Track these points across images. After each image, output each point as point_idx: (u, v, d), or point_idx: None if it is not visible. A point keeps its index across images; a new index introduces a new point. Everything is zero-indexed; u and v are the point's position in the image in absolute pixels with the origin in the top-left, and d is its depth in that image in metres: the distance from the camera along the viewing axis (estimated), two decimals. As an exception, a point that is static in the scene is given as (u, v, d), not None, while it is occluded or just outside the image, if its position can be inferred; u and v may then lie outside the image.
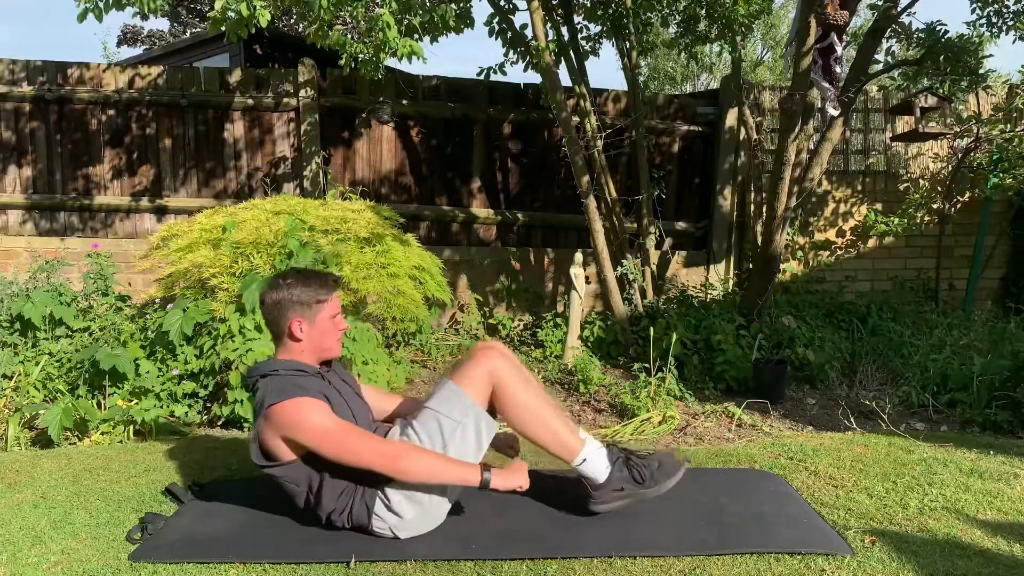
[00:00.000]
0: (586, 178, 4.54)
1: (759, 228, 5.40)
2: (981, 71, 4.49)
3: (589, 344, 4.75)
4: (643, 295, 5.10)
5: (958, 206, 5.71)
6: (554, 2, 4.85)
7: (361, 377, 3.27)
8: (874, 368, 4.36)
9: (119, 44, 15.99)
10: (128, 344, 3.53)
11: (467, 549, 1.93)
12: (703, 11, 5.06)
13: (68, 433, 3.16)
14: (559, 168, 5.55)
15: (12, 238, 5.27)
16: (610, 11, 4.96)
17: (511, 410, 2.08)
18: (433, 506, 2.01)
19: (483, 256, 5.55)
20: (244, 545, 1.97)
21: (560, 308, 5.54)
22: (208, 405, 3.49)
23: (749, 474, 2.53)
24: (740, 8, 4.71)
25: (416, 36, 4.10)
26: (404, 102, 5.41)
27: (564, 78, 4.76)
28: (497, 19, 4.76)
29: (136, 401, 3.35)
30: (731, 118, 5.54)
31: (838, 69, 4.01)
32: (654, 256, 5.43)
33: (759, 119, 5.62)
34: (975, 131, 5.32)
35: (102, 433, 3.21)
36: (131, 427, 3.25)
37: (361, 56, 4.14)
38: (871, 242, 5.83)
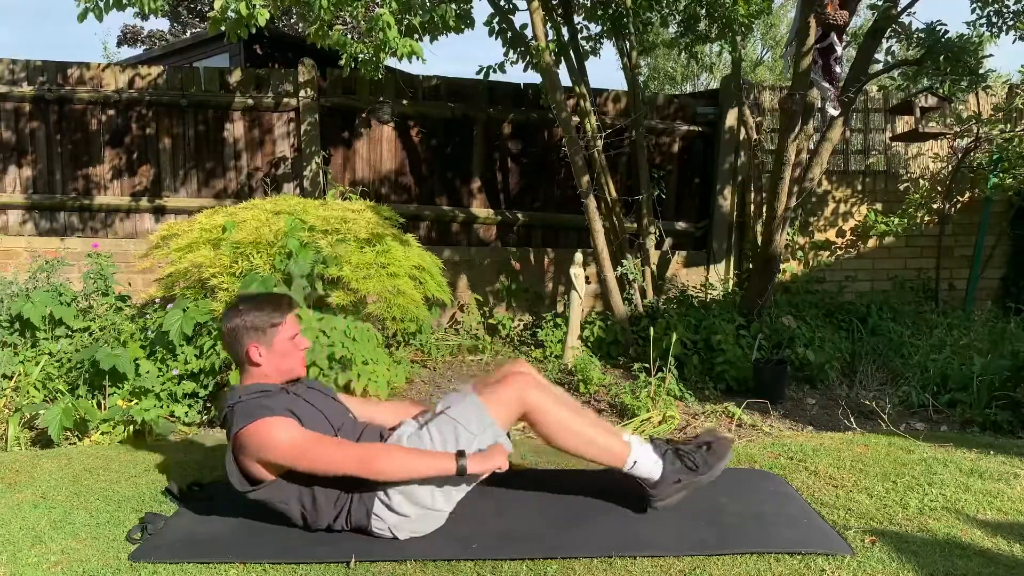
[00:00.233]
0: (586, 178, 4.54)
1: (759, 228, 5.40)
2: (981, 71, 4.49)
3: (589, 344, 4.75)
4: (643, 295, 5.10)
5: (958, 206, 5.71)
6: (554, 2, 4.85)
7: (361, 377, 3.27)
8: (874, 368, 4.36)
9: (119, 44, 16.00)
10: (128, 344, 3.53)
11: (467, 549, 1.93)
12: (703, 11, 5.06)
13: (68, 433, 3.16)
14: (559, 168, 5.55)
15: (12, 238, 5.27)
16: (610, 11, 4.96)
17: (552, 434, 2.08)
18: (433, 506, 2.00)
19: (483, 256, 5.55)
20: (244, 545, 1.97)
21: (560, 308, 5.54)
22: (208, 405, 3.49)
23: (749, 474, 2.53)
24: (740, 8, 4.71)
25: (416, 36, 4.10)
26: (404, 102, 5.41)
27: (564, 78, 4.76)
28: (497, 19, 4.76)
29: (136, 401, 3.35)
30: (731, 118, 5.54)
31: (838, 69, 4.00)
32: (654, 256, 5.43)
33: (759, 119, 5.62)
34: (975, 131, 5.32)
35: (102, 433, 3.21)
36: (131, 427, 3.25)
37: (361, 56, 4.14)
38: (871, 242, 5.82)
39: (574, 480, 2.29)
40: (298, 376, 2.17)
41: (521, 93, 5.55)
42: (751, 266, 5.42)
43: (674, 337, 4.02)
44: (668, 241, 5.62)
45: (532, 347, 5.00)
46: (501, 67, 4.88)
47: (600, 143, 4.83)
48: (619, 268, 4.81)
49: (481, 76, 5.01)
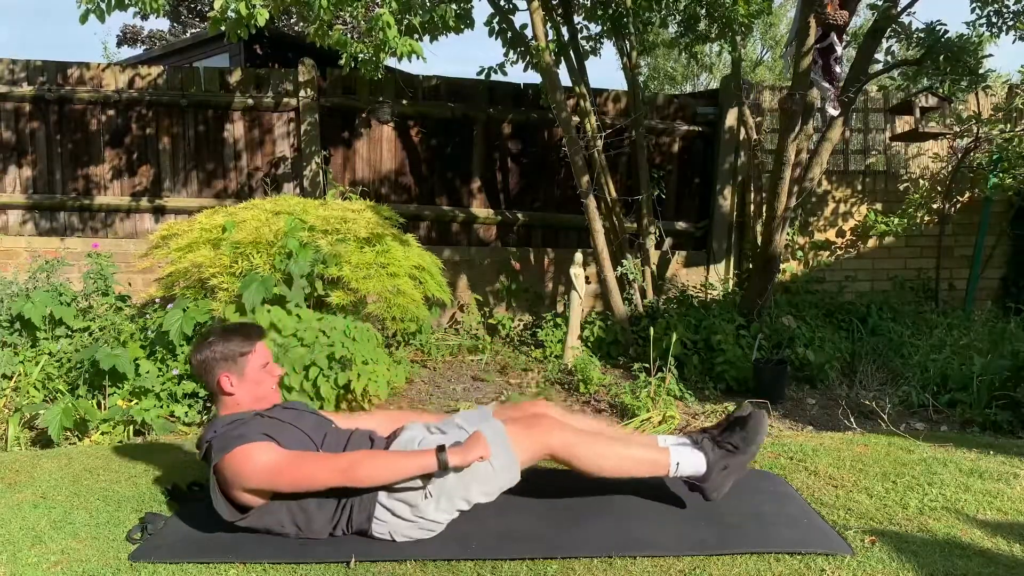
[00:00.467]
0: (586, 178, 4.54)
1: (759, 228, 5.40)
2: (981, 71, 4.49)
3: (589, 344, 4.75)
4: (643, 295, 5.10)
5: (958, 206, 5.71)
6: (554, 2, 4.85)
7: (361, 377, 3.27)
8: (874, 368, 4.36)
9: (119, 44, 16.00)
10: (128, 344, 3.53)
11: (467, 549, 1.93)
12: (703, 11, 5.06)
13: (68, 433, 3.16)
14: (559, 168, 5.55)
15: (12, 238, 5.27)
16: (610, 11, 4.96)
17: (587, 467, 2.07)
18: (436, 513, 1.99)
19: (483, 256, 5.55)
20: (244, 545, 1.97)
21: (560, 308, 5.54)
22: (208, 405, 3.49)
23: (749, 474, 2.51)
24: (740, 8, 4.71)
25: (416, 36, 4.10)
26: (404, 102, 5.41)
27: (564, 78, 4.76)
28: (497, 19, 4.76)
29: (136, 401, 3.35)
30: (731, 118, 5.54)
31: (838, 69, 4.00)
32: (654, 256, 5.43)
33: (759, 119, 5.62)
34: (975, 131, 5.32)
35: (102, 433, 3.21)
36: (131, 427, 3.25)
37: (361, 56, 4.14)
38: (871, 242, 5.82)
39: (574, 480, 2.28)
40: (272, 403, 2.18)
41: (521, 93, 5.55)
42: (751, 266, 5.42)
43: (674, 337, 4.02)
44: (668, 241, 5.62)
45: (532, 347, 5.00)
46: (501, 68, 4.88)
47: (600, 143, 4.83)
48: (619, 268, 4.81)
49: (481, 76, 5.00)
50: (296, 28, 11.17)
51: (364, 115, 5.42)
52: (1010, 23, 4.51)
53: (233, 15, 3.55)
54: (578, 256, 4.74)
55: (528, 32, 4.59)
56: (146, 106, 5.29)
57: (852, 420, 3.40)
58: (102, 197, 5.33)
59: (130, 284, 4.97)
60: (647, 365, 3.92)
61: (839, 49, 3.95)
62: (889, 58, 4.71)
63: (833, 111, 4.04)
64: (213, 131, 5.36)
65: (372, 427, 2.27)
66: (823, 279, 5.77)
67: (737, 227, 5.68)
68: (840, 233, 5.82)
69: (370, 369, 3.32)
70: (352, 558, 1.89)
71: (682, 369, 4.26)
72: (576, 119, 4.79)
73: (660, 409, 3.59)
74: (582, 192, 4.56)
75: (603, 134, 4.91)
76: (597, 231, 4.60)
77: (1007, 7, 4.48)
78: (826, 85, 3.95)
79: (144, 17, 3.87)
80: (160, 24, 16.65)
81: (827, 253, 5.82)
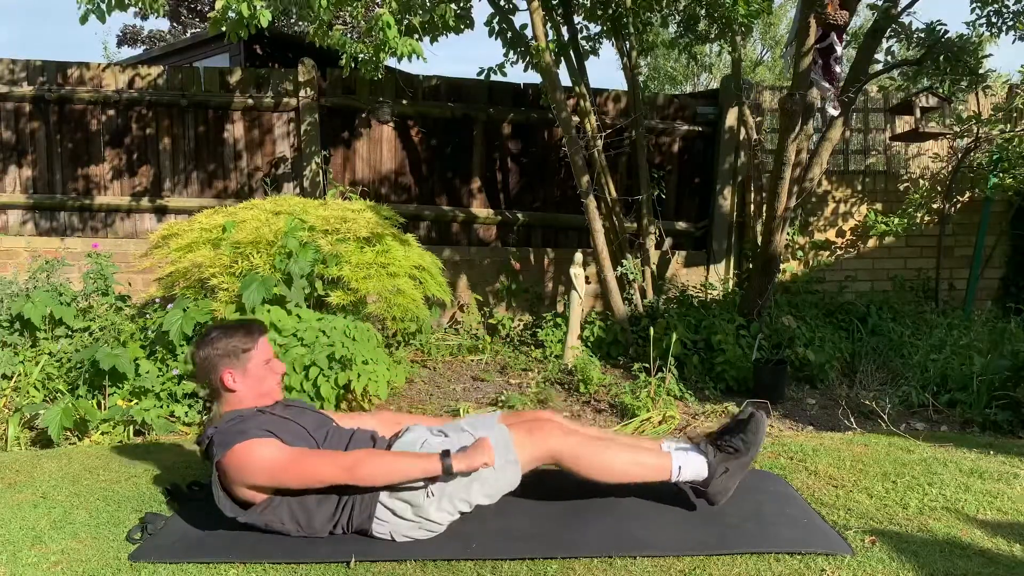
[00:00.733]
0: (586, 178, 4.54)
1: (759, 228, 5.40)
2: (981, 71, 4.49)
3: (589, 344, 4.75)
4: (643, 295, 5.10)
5: (958, 206, 5.71)
6: (554, 2, 4.85)
7: (361, 377, 3.27)
8: (874, 368, 4.36)
9: (119, 44, 16.02)
10: (128, 344, 3.53)
11: (467, 548, 1.93)
12: (703, 11, 5.06)
13: (68, 433, 3.16)
14: (559, 168, 5.55)
15: (12, 238, 5.27)
16: (610, 11, 4.96)
17: (591, 472, 2.09)
18: (437, 513, 1.99)
19: (483, 256, 5.55)
20: (244, 545, 1.97)
21: (560, 308, 5.54)
22: (208, 405, 3.49)
23: (749, 474, 2.51)
24: (740, 8, 4.71)
25: (416, 36, 4.10)
26: (404, 102, 5.41)
27: (564, 78, 4.76)
28: (497, 19, 4.76)
29: (136, 401, 3.35)
30: (731, 118, 5.54)
31: (838, 69, 4.01)
32: (654, 256, 5.43)
33: (759, 119, 5.62)
34: (975, 131, 5.32)
35: (102, 433, 3.21)
36: (131, 427, 3.25)
37: (361, 56, 4.14)
38: (871, 242, 5.82)
39: (574, 480, 2.28)
40: (275, 400, 2.18)
41: (521, 93, 5.55)
42: (751, 266, 5.42)
43: (674, 337, 4.02)
44: (668, 241, 5.62)
45: (532, 347, 5.00)
46: (501, 68, 4.87)
47: (600, 143, 4.83)
48: (619, 268, 4.81)
49: (481, 76, 5.00)
50: (296, 28, 11.17)
51: (364, 115, 5.42)
52: (1010, 23, 4.51)
53: (234, 15, 3.55)
54: (578, 256, 4.74)
55: (528, 32, 4.60)
56: (146, 106, 5.29)
57: (852, 420, 3.40)
58: (102, 197, 5.33)
59: (130, 284, 4.97)
60: (647, 365, 3.92)
61: (839, 49, 3.95)
62: (889, 58, 4.71)
63: (833, 111, 4.05)
64: (213, 131, 5.36)
65: (373, 427, 2.27)
66: (823, 279, 5.78)
67: (737, 227, 5.68)
68: (840, 233, 5.82)
69: (370, 369, 3.31)
70: (352, 558, 1.89)
71: (682, 369, 4.26)
72: (576, 119, 4.79)
73: (660, 409, 3.59)
74: (582, 192, 4.56)
75: (603, 134, 4.91)
76: (597, 231, 4.60)
77: (1007, 7, 4.48)
78: (826, 85, 3.96)
79: (144, 17, 3.89)
80: (160, 24, 16.67)
81: (827, 253, 5.82)
